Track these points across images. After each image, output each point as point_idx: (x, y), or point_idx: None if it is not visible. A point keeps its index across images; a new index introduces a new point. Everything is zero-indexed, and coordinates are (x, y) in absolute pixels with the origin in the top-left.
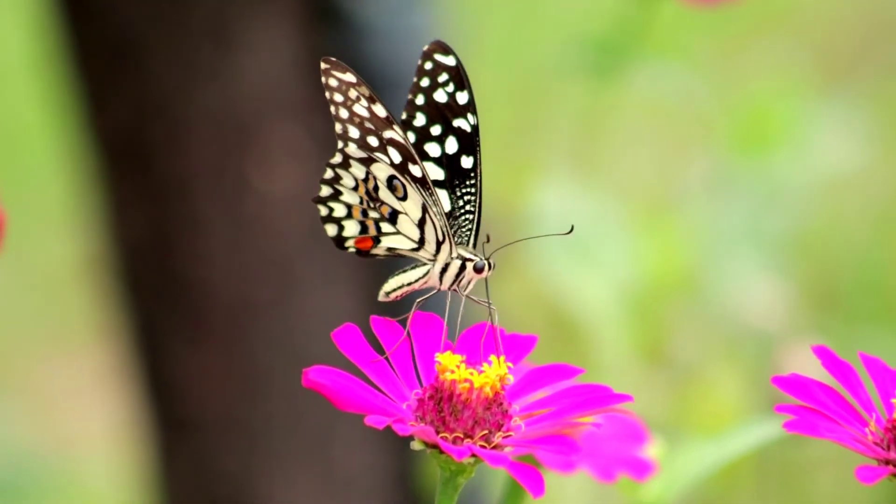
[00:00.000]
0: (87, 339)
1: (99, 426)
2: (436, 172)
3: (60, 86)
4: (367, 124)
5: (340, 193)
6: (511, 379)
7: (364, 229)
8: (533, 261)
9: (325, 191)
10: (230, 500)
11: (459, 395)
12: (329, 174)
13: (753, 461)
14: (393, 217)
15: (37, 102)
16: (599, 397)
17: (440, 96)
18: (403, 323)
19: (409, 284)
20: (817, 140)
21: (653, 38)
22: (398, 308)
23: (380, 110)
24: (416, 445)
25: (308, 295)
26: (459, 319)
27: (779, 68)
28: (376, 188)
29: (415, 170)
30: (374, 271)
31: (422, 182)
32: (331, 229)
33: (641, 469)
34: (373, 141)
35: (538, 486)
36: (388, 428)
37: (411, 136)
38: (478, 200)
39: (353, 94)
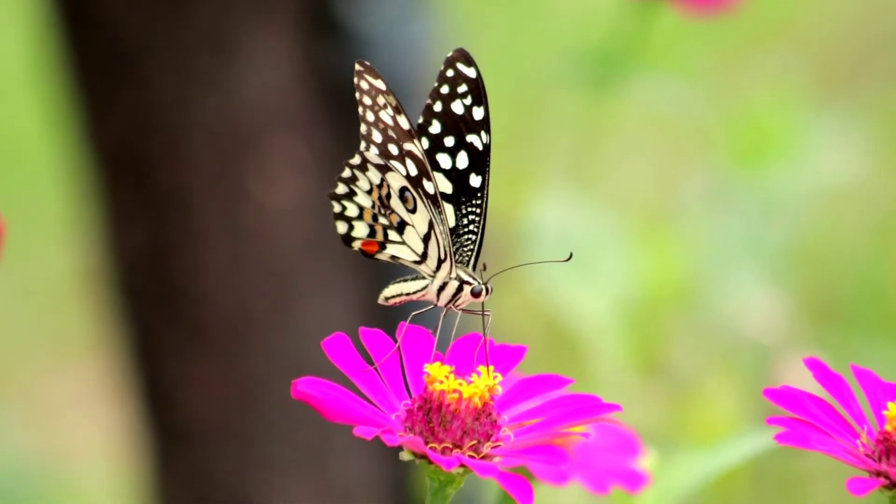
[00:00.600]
0: (85, 351)
1: (97, 437)
2: (444, 185)
3: (60, 97)
4: (390, 132)
5: (355, 194)
6: (500, 389)
7: (372, 233)
8: (530, 272)
9: (341, 188)
10: None
11: (448, 405)
12: (346, 173)
13: (749, 472)
14: (401, 227)
15: (36, 114)
16: (589, 407)
17: (457, 107)
18: (393, 334)
19: (407, 294)
20: (816, 152)
21: (651, 50)
22: (393, 319)
23: (403, 122)
24: (405, 456)
25: (306, 306)
26: (452, 331)
27: (777, 80)
28: (388, 196)
29: (428, 186)
30: (372, 283)
31: (433, 199)
32: (341, 227)
33: (634, 481)
34: (393, 149)
35: (527, 496)
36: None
37: (425, 142)
38: (482, 222)
39: (381, 100)
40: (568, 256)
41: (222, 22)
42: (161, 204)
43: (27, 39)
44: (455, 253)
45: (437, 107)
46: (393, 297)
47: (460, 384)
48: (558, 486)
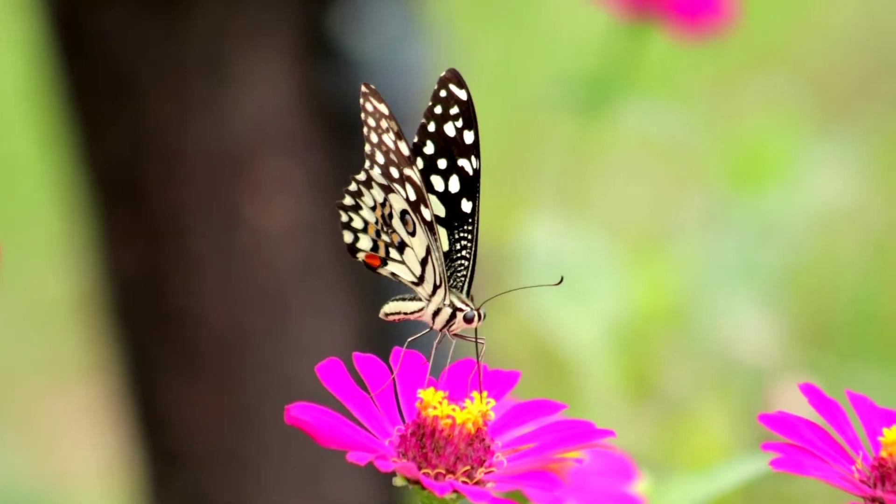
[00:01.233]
0: (80, 373)
1: (92, 459)
2: (438, 208)
3: (55, 119)
4: (392, 156)
5: (360, 208)
6: (493, 415)
7: (375, 247)
8: (522, 296)
9: (348, 200)
10: None
11: (441, 430)
12: (353, 187)
13: (743, 495)
14: (401, 247)
15: (31, 135)
16: (582, 433)
17: (449, 129)
18: (388, 357)
19: (405, 313)
20: (811, 176)
21: (644, 73)
22: (388, 342)
23: (403, 148)
24: (398, 481)
25: (301, 328)
26: (447, 357)
27: (773, 103)
28: (391, 215)
29: (425, 212)
30: (367, 305)
31: (429, 225)
32: (347, 236)
33: None
34: (394, 172)
35: None
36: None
37: (420, 163)
38: (473, 248)
39: (384, 124)
40: (559, 280)
41: (218, 44)
42: (156, 226)
43: (23, 60)
44: (449, 278)
45: (431, 127)
46: (392, 313)
47: (454, 410)
48: None
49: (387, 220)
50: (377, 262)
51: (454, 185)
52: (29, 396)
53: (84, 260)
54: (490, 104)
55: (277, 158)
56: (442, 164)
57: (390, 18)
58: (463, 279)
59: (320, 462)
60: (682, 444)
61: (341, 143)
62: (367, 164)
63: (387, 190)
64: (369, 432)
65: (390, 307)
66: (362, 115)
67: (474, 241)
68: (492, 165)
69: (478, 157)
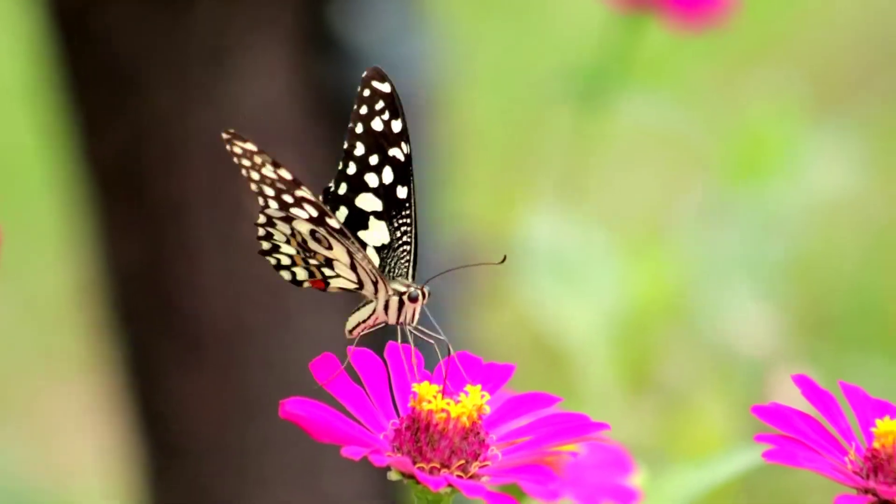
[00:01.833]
0: (79, 367)
1: (92, 453)
2: (374, 203)
3: (55, 112)
4: (278, 185)
5: (278, 247)
6: (488, 409)
7: (312, 274)
8: (520, 288)
9: (265, 245)
10: None
11: (436, 425)
12: (261, 232)
13: (741, 486)
14: (329, 263)
15: (31, 128)
16: (577, 426)
17: (377, 124)
18: (383, 352)
19: (363, 321)
20: (812, 167)
21: (645, 65)
22: (385, 337)
23: (285, 174)
24: (393, 475)
25: (301, 321)
26: (442, 350)
27: (774, 95)
28: (304, 241)
29: (331, 221)
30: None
31: (341, 232)
32: (285, 275)
33: (626, 497)
34: (287, 198)
35: None
36: None
37: (352, 167)
38: (413, 231)
39: (257, 160)
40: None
41: (219, 37)
42: (156, 219)
43: (23, 53)
44: (394, 268)
45: (359, 128)
46: (353, 327)
47: (448, 404)
48: (549, 503)
49: (304, 247)
50: (322, 286)
51: (388, 175)
52: (28, 390)
53: (84, 253)
54: (490, 96)
55: (278, 150)
56: (374, 160)
57: (390, 11)
58: (407, 265)
59: (320, 456)
60: (681, 435)
61: (341, 135)
62: (261, 202)
63: (288, 220)
64: (364, 427)
65: (350, 322)
66: (235, 160)
67: (413, 224)
68: (492, 158)
69: (408, 142)
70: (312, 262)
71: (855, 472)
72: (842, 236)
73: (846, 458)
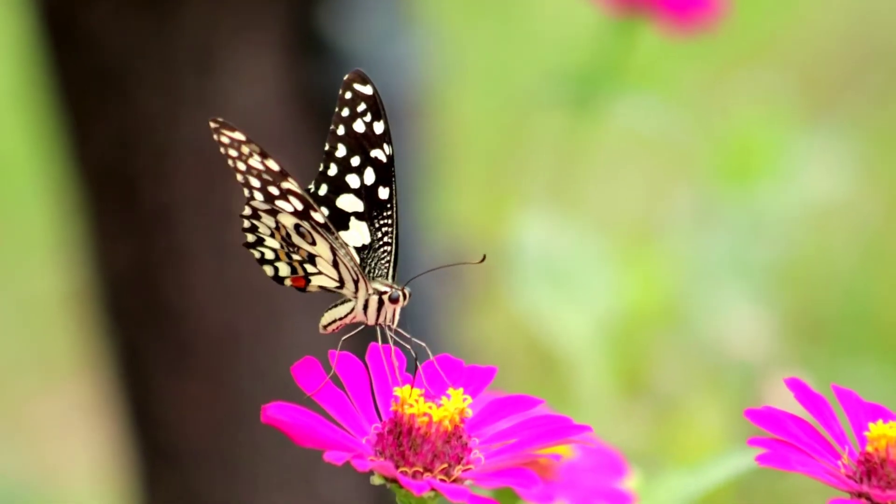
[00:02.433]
0: (71, 371)
1: (84, 457)
2: (355, 204)
3: (44, 115)
4: (265, 176)
5: (263, 240)
6: (470, 412)
7: (294, 270)
8: (513, 292)
9: (249, 237)
10: None
11: (418, 428)
12: (245, 224)
13: (736, 490)
14: (311, 259)
15: (21, 132)
16: (560, 428)
17: (359, 126)
18: (363, 356)
19: (340, 318)
20: (802, 170)
21: (634, 69)
22: (364, 341)
23: (272, 164)
24: (376, 480)
25: (292, 325)
26: (423, 353)
27: (763, 98)
28: (288, 235)
29: (316, 216)
30: None
31: (325, 227)
32: (268, 270)
33: (620, 501)
34: (273, 190)
35: None
36: None
37: (333, 168)
38: (394, 231)
39: (244, 150)
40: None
41: (207, 40)
42: (146, 222)
43: (11, 57)
44: (375, 268)
45: (340, 130)
46: (328, 324)
47: (430, 407)
48: None
49: (288, 241)
50: (302, 283)
51: (369, 176)
52: (19, 394)
53: (75, 257)
54: (479, 99)
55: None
56: (355, 161)
57: (379, 13)
58: (387, 265)
59: (313, 461)
60: (674, 439)
61: None
62: (247, 193)
63: (273, 213)
64: (347, 431)
65: (325, 318)
66: (222, 150)
67: (395, 225)
68: (482, 161)
69: (390, 143)
70: (295, 257)
71: (848, 476)
72: (833, 239)
73: (839, 462)
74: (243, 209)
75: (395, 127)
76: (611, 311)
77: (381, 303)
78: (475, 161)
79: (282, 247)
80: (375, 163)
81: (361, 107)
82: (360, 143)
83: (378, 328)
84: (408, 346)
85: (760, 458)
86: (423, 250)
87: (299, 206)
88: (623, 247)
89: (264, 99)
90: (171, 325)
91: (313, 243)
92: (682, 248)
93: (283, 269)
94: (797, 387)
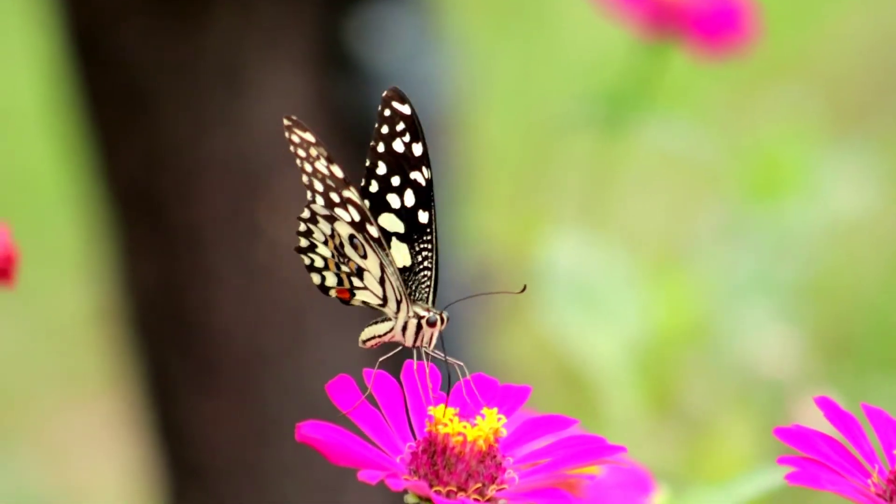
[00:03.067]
0: (98, 387)
1: (111, 474)
2: (396, 225)
3: (72, 133)
4: (328, 181)
5: (316, 246)
6: (504, 432)
7: (340, 281)
8: (541, 312)
9: (303, 242)
10: None
11: (453, 448)
12: (302, 227)
13: None
14: (359, 273)
15: (49, 149)
16: (594, 448)
17: (398, 146)
18: (397, 375)
19: (379, 336)
20: (828, 187)
21: (663, 88)
22: (403, 357)
23: (337, 171)
24: (410, 499)
25: (318, 342)
26: (458, 372)
27: (790, 115)
28: (342, 244)
29: (371, 230)
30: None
31: (377, 242)
32: (315, 278)
33: None
34: (334, 197)
35: None
36: None
37: (374, 185)
38: (434, 257)
39: (313, 152)
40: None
41: (234, 57)
42: (173, 240)
43: (40, 75)
44: (415, 291)
45: (380, 148)
46: (368, 339)
47: (465, 427)
48: None
49: (340, 251)
50: (347, 296)
51: (409, 198)
52: (47, 410)
53: (102, 274)
54: (507, 117)
55: (294, 171)
56: (395, 181)
57: (407, 30)
58: (427, 290)
59: (340, 478)
60: (703, 459)
61: (358, 155)
62: (309, 195)
63: (331, 220)
64: (381, 450)
65: (365, 333)
66: (291, 148)
67: (434, 250)
68: (510, 180)
69: (428, 166)
70: (344, 268)
71: (878, 495)
72: (860, 256)
73: (869, 481)
74: (302, 211)
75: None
76: (639, 331)
77: (419, 326)
78: (503, 180)
79: (333, 256)
80: (415, 185)
81: (400, 126)
82: (400, 163)
83: (414, 349)
84: (443, 365)
85: (790, 477)
86: (452, 269)
87: (357, 217)
88: (651, 266)
89: (291, 115)
90: (197, 343)
91: (364, 256)
92: (710, 266)
93: (330, 280)
94: (827, 405)
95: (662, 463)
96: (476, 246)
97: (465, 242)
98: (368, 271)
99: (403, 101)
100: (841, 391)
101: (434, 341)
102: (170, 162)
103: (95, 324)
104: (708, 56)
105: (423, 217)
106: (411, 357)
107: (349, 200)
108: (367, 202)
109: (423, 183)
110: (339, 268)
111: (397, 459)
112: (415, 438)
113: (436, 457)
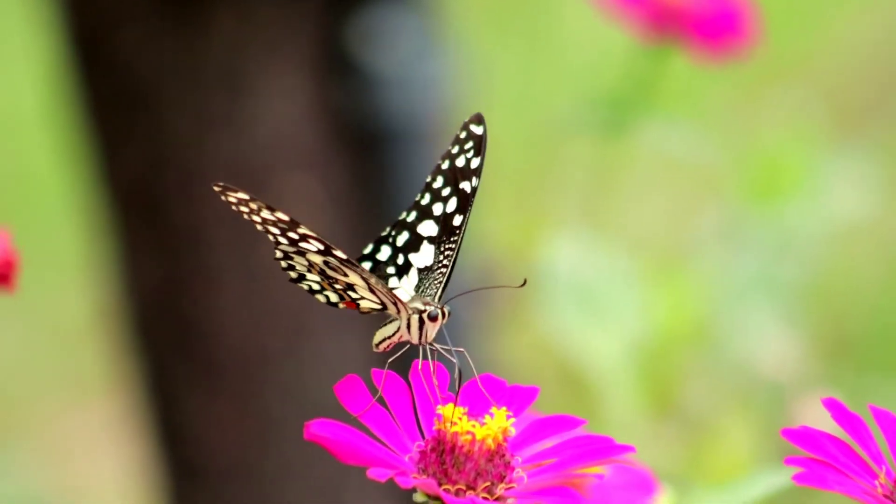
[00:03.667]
0: (100, 389)
1: (113, 475)
2: (431, 229)
3: (74, 135)
4: (280, 225)
5: (304, 276)
6: (513, 431)
7: (342, 296)
8: (543, 313)
9: (292, 274)
10: None
11: (461, 446)
12: (283, 264)
13: None
14: (351, 287)
15: (51, 152)
16: (602, 448)
17: (460, 161)
18: (407, 373)
19: (388, 337)
20: (829, 190)
21: (664, 90)
22: (408, 357)
23: (281, 215)
24: (418, 497)
25: (320, 343)
26: (466, 370)
27: (791, 118)
28: (322, 270)
29: (338, 253)
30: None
31: (347, 262)
32: (320, 298)
33: None
34: (293, 235)
35: None
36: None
37: (426, 198)
38: (455, 255)
39: (253, 206)
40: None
41: (237, 60)
42: (175, 242)
43: (41, 77)
44: (428, 288)
45: (445, 165)
46: (379, 342)
47: (473, 426)
48: None
49: (325, 275)
50: (354, 306)
51: (451, 205)
52: (49, 412)
53: (104, 276)
54: (508, 120)
55: (296, 173)
56: (446, 192)
57: (409, 34)
58: (438, 286)
59: (341, 478)
60: (705, 460)
61: (360, 158)
62: (273, 242)
63: (301, 254)
64: (389, 448)
65: (376, 337)
66: (233, 209)
67: (457, 248)
68: (512, 182)
69: (479, 177)
70: (337, 286)
71: (885, 496)
72: (861, 259)
73: (877, 482)
74: (275, 254)
75: (423, 148)
76: (640, 332)
77: (421, 322)
78: (505, 182)
79: (322, 279)
80: (460, 193)
81: (468, 144)
82: (455, 176)
83: (420, 347)
84: (451, 364)
85: (798, 478)
86: (455, 271)
87: (320, 247)
88: (652, 268)
89: (293, 119)
90: (199, 344)
91: (346, 275)
92: (711, 268)
93: (333, 297)
94: (833, 406)
95: (663, 464)
96: (478, 247)
97: (467, 244)
98: (356, 284)
99: (480, 123)
100: (841, 392)
101: (434, 334)
102: (172, 164)
103: (97, 326)
104: (709, 59)
105: (457, 220)
106: (417, 357)
107: (305, 235)
108: (414, 213)
109: (469, 190)
110: (333, 287)
111: (406, 458)
112: (423, 437)
113: (444, 455)
